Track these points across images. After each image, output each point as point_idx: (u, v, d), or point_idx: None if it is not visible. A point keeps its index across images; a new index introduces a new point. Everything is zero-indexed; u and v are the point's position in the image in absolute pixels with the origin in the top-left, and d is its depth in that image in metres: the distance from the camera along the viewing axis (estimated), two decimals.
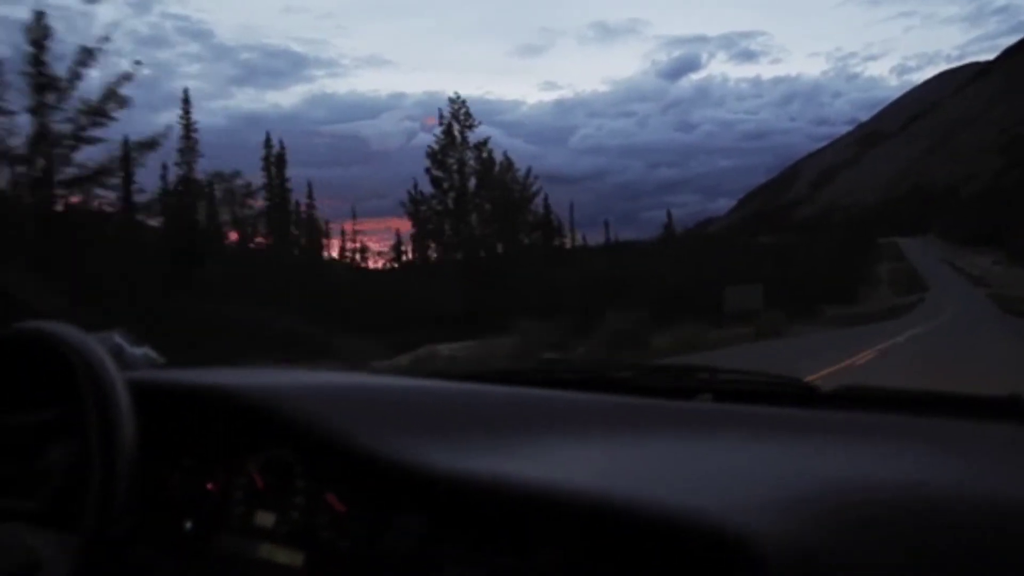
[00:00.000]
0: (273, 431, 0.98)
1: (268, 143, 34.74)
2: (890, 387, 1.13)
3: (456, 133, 30.88)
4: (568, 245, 46.35)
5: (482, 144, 31.30)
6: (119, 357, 1.09)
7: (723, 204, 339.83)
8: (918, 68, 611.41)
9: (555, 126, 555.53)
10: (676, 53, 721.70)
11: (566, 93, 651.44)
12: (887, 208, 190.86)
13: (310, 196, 40.00)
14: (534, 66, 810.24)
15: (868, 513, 0.65)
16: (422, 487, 0.82)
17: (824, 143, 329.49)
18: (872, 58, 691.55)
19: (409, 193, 31.07)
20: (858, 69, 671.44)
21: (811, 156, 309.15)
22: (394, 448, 0.86)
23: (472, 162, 30.83)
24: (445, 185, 30.55)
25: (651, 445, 0.90)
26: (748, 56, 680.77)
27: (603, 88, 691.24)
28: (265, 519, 0.96)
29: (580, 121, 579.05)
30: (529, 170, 33.77)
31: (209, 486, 1.03)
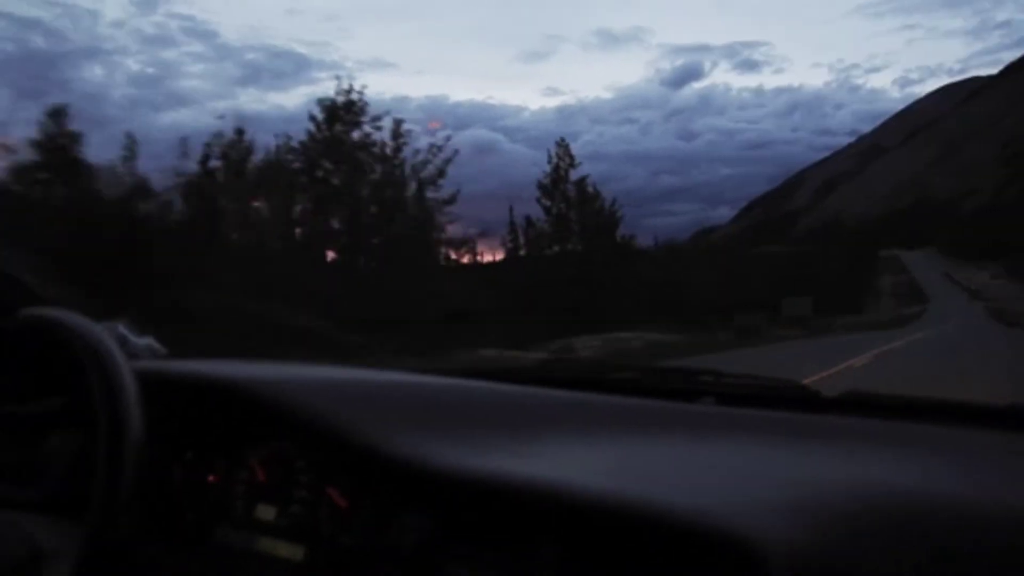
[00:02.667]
0: (276, 424, 0.98)
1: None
2: (893, 393, 1.13)
3: (561, 171, 39.89)
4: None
5: (582, 180, 40.09)
6: (123, 347, 1.06)
7: (724, 213, 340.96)
8: (920, 81, 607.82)
9: (557, 132, 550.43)
10: (679, 61, 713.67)
11: (569, 99, 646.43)
12: (889, 220, 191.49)
13: None
14: (537, 72, 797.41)
15: (870, 519, 0.64)
16: (425, 484, 0.82)
17: (826, 154, 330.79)
18: (875, 70, 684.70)
19: (527, 218, 40.77)
20: (860, 81, 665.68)
21: (813, 167, 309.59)
22: (397, 444, 0.85)
23: (572, 194, 39.64)
24: (554, 211, 39.78)
25: (655, 447, 0.90)
26: (751, 66, 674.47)
27: (606, 95, 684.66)
28: (266, 513, 0.96)
29: (582, 127, 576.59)
30: (615, 200, 41.69)
31: (211, 478, 1.02)
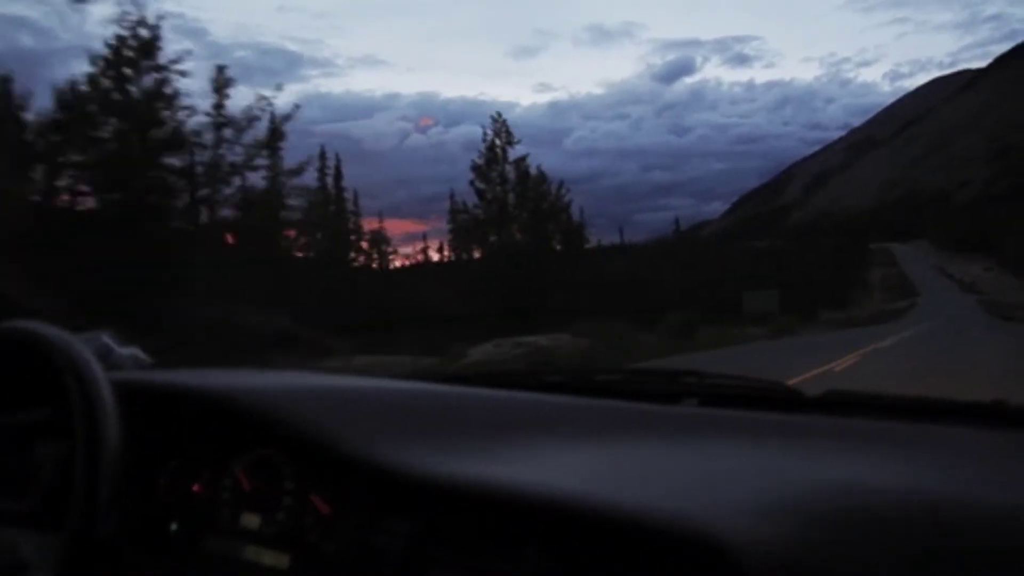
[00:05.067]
0: (260, 433, 0.98)
1: (323, 154, 37.13)
2: (875, 392, 1.13)
3: (498, 150, 35.08)
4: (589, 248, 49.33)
5: (521, 160, 35.20)
6: (107, 357, 1.10)
7: (716, 207, 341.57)
8: (911, 74, 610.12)
9: (549, 128, 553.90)
10: (671, 56, 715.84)
11: (560, 95, 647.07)
12: (880, 214, 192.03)
13: (356, 203, 42.50)
14: (528, 68, 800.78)
15: (852, 519, 0.65)
16: (408, 490, 0.82)
17: (817, 148, 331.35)
18: (865, 64, 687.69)
19: (452, 202, 36.32)
20: (851, 74, 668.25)
21: (804, 161, 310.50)
22: (380, 451, 0.86)
23: (511, 176, 35.04)
24: (488, 196, 35.06)
25: (636, 449, 0.90)
26: (742, 60, 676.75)
27: (597, 91, 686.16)
28: (251, 521, 0.96)
29: (574, 123, 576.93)
30: (561, 183, 37.16)
31: (195, 487, 1.02)
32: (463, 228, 36.78)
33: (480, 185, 34.89)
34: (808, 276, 61.80)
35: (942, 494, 0.71)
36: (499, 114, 36.43)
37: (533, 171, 35.86)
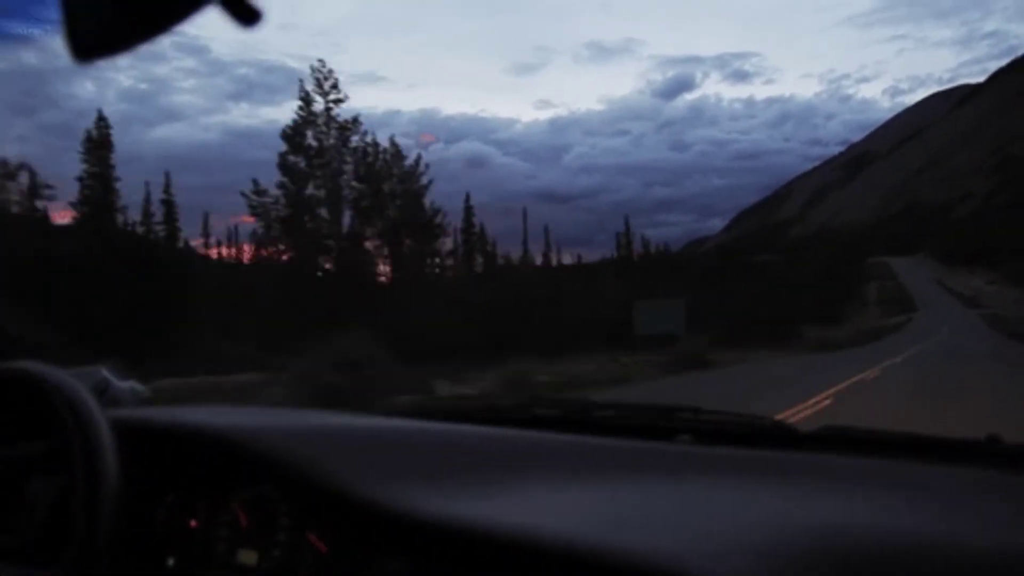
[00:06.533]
0: (257, 470, 0.99)
1: (100, 121, 27.41)
2: (869, 429, 1.13)
3: (321, 107, 24.30)
4: (498, 259, 38.00)
5: (352, 122, 24.59)
6: (106, 391, 1.12)
7: (717, 223, 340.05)
8: (910, 90, 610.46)
9: (550, 144, 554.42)
10: (671, 73, 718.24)
11: (561, 111, 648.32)
12: (879, 227, 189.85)
13: (167, 190, 32.84)
14: (529, 84, 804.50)
15: (841, 560, 0.66)
16: (403, 530, 0.83)
17: (816, 163, 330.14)
18: (865, 80, 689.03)
19: (254, 182, 24.31)
20: (851, 91, 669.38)
21: (804, 176, 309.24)
22: (376, 490, 0.87)
23: (334, 141, 24.52)
24: (297, 176, 24.29)
25: (630, 489, 0.91)
26: (742, 77, 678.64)
27: (598, 107, 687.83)
28: (248, 557, 0.97)
29: (575, 139, 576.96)
30: (419, 158, 27.04)
31: (193, 523, 1.03)
32: (259, 216, 25.33)
33: (292, 158, 23.85)
34: (795, 292, 58.71)
35: (933, 536, 0.72)
36: (322, 62, 25.49)
37: (385, 143, 25.44)
